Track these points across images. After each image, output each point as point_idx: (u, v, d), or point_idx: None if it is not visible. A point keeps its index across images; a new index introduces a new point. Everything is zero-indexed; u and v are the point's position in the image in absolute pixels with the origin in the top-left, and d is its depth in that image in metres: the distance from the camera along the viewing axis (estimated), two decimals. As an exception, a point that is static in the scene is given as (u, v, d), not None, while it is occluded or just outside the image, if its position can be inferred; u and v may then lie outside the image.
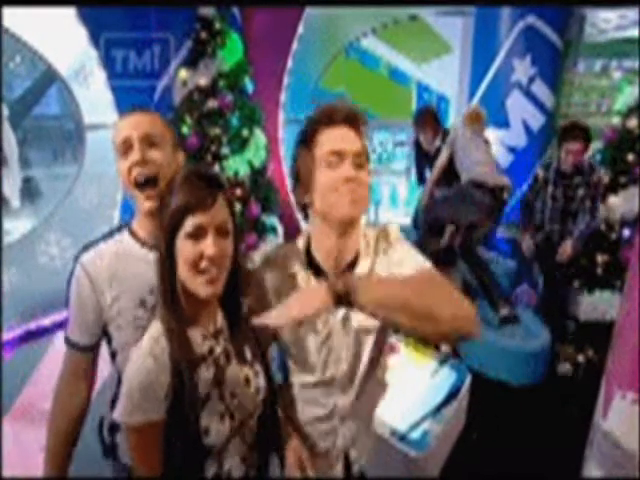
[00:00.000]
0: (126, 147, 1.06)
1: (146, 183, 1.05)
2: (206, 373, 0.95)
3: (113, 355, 1.17)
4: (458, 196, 3.02)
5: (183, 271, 0.92)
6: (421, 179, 3.79)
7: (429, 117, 3.46)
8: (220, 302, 1.03)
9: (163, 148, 1.09)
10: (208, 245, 0.90)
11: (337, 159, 0.98)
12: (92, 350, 1.15)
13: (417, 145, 3.70)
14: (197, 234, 0.90)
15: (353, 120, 1.01)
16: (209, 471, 0.99)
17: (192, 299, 0.95)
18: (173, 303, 0.94)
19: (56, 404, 1.16)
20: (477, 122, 3.26)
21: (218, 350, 0.99)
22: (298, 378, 1.17)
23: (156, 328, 0.94)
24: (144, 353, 0.91)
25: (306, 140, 1.03)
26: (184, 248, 0.90)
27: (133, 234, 1.13)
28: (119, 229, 1.16)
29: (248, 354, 1.04)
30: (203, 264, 0.90)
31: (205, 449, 0.95)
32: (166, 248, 0.92)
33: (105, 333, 1.14)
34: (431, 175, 3.42)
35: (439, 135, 3.44)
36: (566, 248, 3.01)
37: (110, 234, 1.15)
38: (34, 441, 2.48)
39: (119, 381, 1.10)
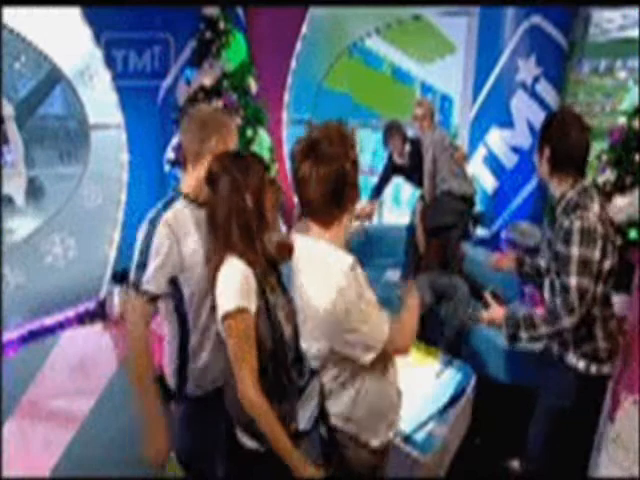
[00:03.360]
0: None
1: None
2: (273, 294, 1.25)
3: (180, 300, 1.43)
4: (436, 204, 3.37)
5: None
6: (377, 194, 3.96)
7: (396, 132, 3.62)
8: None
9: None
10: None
11: None
12: (156, 300, 1.39)
13: (389, 161, 3.81)
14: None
15: None
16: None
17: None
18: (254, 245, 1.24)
19: (138, 346, 1.37)
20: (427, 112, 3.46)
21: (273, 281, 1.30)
22: None
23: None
24: (237, 267, 1.18)
25: (352, 157, 1.20)
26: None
27: (189, 199, 1.44)
28: (173, 198, 1.45)
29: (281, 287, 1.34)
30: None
31: (284, 342, 1.22)
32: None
33: (174, 283, 1.40)
34: (427, 183, 3.58)
35: (406, 147, 3.65)
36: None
37: (169, 202, 1.44)
38: (38, 440, 2.49)
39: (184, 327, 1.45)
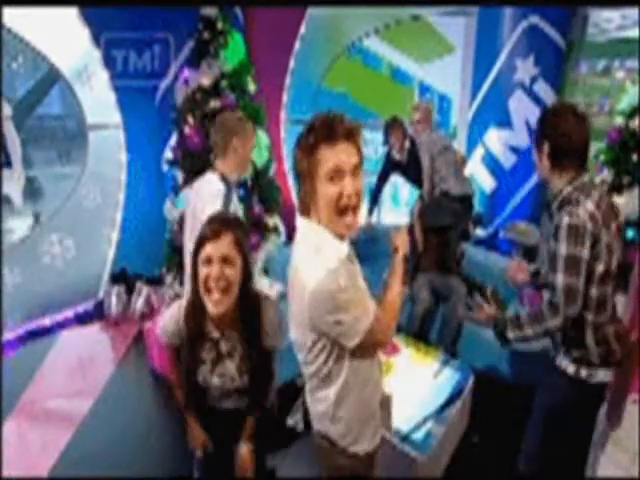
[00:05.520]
0: None
1: None
2: (208, 350, 1.41)
3: None
4: (433, 204, 3.36)
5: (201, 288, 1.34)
6: (377, 195, 3.96)
7: (398, 127, 3.65)
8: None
9: None
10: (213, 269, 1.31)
11: (339, 175, 1.09)
12: None
13: (387, 158, 3.83)
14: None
15: (352, 136, 1.11)
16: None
17: None
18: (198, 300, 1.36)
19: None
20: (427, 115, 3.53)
21: (224, 347, 1.41)
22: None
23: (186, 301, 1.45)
24: (176, 306, 1.47)
25: (308, 153, 1.10)
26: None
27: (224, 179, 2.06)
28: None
29: (247, 361, 1.41)
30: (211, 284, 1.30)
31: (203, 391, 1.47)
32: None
33: None
34: (426, 183, 3.61)
35: (406, 144, 3.67)
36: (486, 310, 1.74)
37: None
38: (37, 440, 2.49)
39: None
